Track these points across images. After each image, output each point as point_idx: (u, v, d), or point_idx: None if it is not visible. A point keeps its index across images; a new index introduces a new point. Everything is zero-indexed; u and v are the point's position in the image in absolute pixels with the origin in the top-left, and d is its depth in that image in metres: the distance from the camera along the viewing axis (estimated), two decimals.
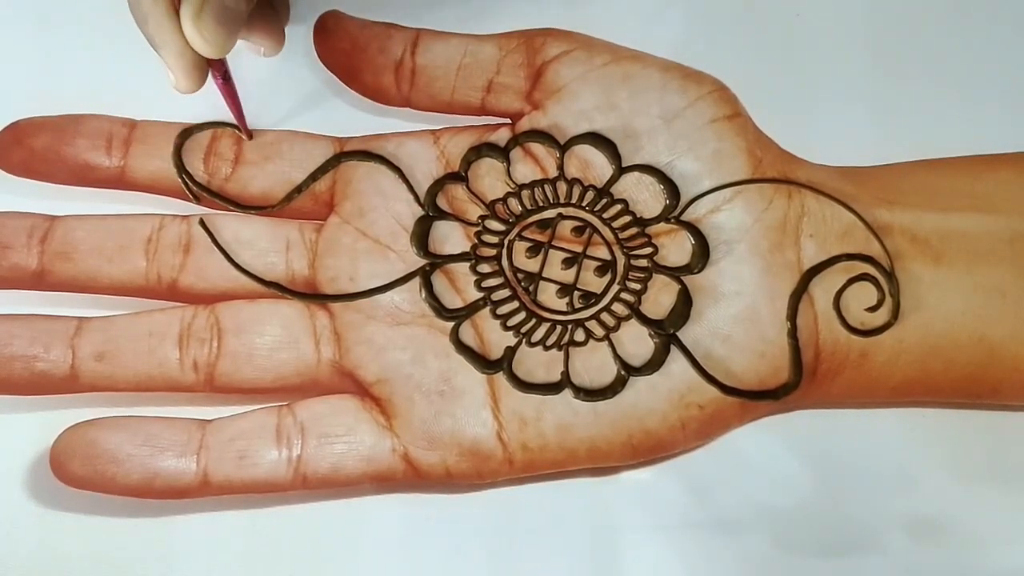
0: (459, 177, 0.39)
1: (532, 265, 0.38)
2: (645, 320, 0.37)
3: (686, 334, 0.37)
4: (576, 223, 0.38)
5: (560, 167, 0.38)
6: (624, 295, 0.37)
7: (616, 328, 0.37)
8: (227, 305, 0.38)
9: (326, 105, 0.42)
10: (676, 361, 0.37)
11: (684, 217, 0.38)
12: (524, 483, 0.38)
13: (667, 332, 0.37)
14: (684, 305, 0.37)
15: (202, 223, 0.38)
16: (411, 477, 0.37)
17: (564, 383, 0.36)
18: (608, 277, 0.37)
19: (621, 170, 0.38)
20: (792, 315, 0.37)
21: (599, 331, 0.37)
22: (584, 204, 0.38)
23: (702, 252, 0.37)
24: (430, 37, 0.40)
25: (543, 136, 0.38)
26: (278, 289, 0.38)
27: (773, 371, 0.37)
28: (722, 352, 0.37)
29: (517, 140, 0.39)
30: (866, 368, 0.37)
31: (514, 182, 0.38)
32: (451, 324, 0.37)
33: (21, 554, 0.37)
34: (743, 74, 0.39)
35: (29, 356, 0.37)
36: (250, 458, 0.36)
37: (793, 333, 0.37)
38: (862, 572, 0.38)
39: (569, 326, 0.37)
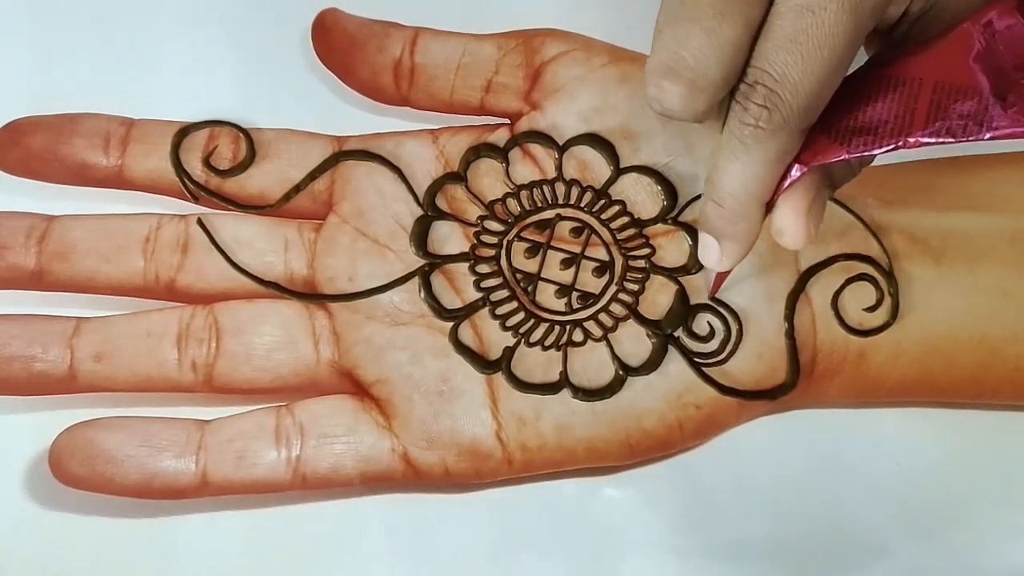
0: (458, 177, 0.39)
1: (531, 265, 0.38)
2: (643, 320, 0.37)
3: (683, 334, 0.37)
4: (574, 224, 0.38)
5: (558, 168, 0.38)
6: (622, 295, 0.37)
7: (614, 328, 0.37)
8: (225, 305, 0.38)
9: (324, 104, 0.42)
10: (674, 361, 0.37)
11: (682, 218, 0.38)
12: (523, 483, 0.38)
13: (664, 332, 0.37)
14: (681, 305, 0.37)
15: (200, 223, 0.38)
16: (410, 477, 0.37)
17: (562, 383, 0.36)
18: (606, 278, 0.37)
19: (619, 171, 0.38)
20: (789, 315, 0.37)
21: (597, 331, 0.37)
22: (582, 205, 0.38)
23: None
24: (429, 36, 0.40)
25: (542, 137, 0.38)
26: (277, 289, 0.38)
27: (770, 371, 0.37)
28: None
29: (516, 140, 0.39)
30: (864, 368, 0.37)
31: (513, 182, 0.38)
32: (450, 324, 0.37)
33: (20, 554, 0.37)
34: None
35: (27, 356, 0.37)
36: (249, 458, 0.36)
37: (790, 333, 0.37)
38: (862, 572, 0.38)
39: (567, 326, 0.37)
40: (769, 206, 0.31)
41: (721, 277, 0.36)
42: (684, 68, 0.29)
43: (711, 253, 0.33)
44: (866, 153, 0.30)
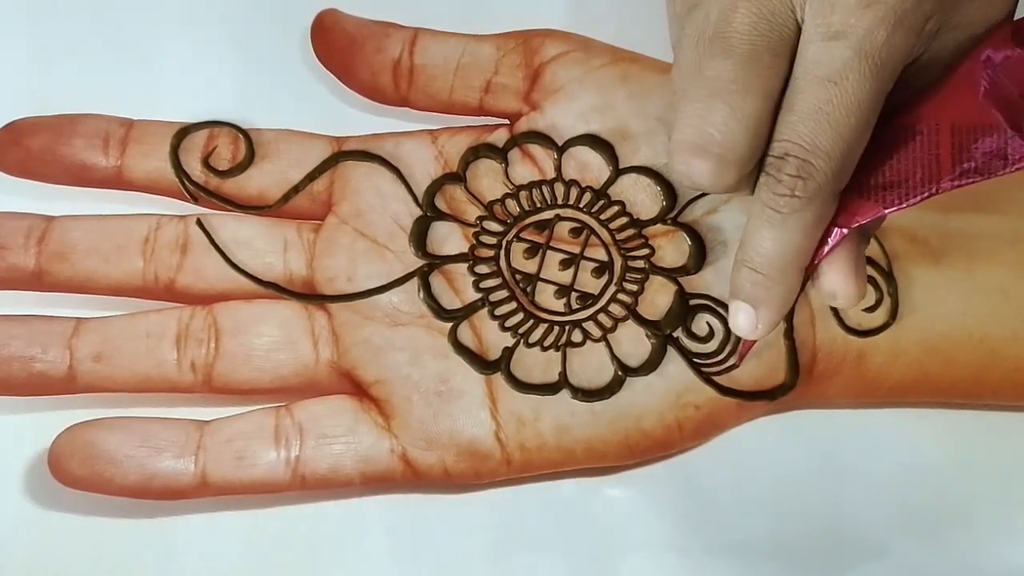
0: (457, 177, 0.39)
1: (530, 266, 0.38)
2: (642, 321, 0.37)
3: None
4: (574, 224, 0.38)
5: (558, 168, 0.38)
6: (621, 296, 0.37)
7: (613, 329, 0.37)
8: (225, 305, 0.38)
9: (324, 104, 0.42)
10: (673, 362, 0.37)
11: (681, 218, 0.38)
12: (522, 483, 0.38)
13: (664, 333, 0.37)
14: (680, 306, 0.37)
15: (199, 223, 0.38)
16: (410, 477, 0.37)
17: (562, 383, 0.37)
18: (605, 278, 0.37)
19: (618, 171, 0.38)
20: (789, 315, 0.37)
21: (596, 332, 0.37)
22: (581, 205, 0.38)
23: (699, 253, 0.37)
24: (428, 36, 0.40)
25: (541, 137, 0.38)
26: (276, 289, 0.38)
27: (770, 371, 0.37)
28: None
29: (515, 141, 0.39)
30: (863, 368, 0.37)
31: (512, 183, 0.38)
32: (449, 325, 0.37)
33: (20, 555, 0.37)
34: None
35: (27, 357, 0.37)
36: (248, 459, 0.36)
37: (789, 333, 0.37)
38: (862, 572, 0.38)
39: (567, 327, 0.37)
40: (808, 270, 0.31)
41: (749, 345, 0.36)
42: (712, 144, 0.30)
43: (745, 321, 0.32)
44: (901, 207, 0.30)
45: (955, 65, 0.30)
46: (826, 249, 0.31)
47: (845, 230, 0.31)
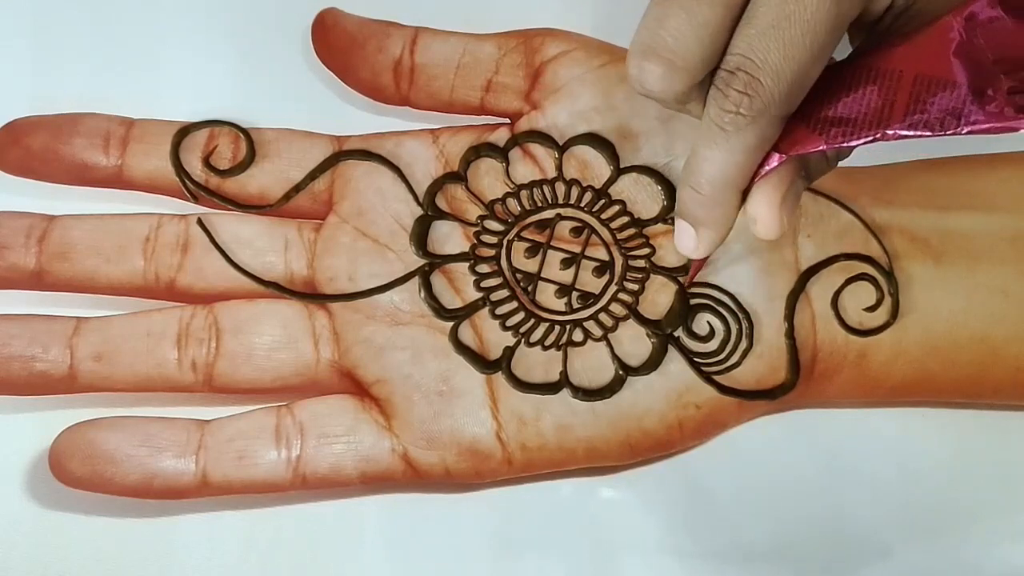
0: (458, 177, 0.39)
1: (531, 265, 0.38)
2: (643, 320, 0.37)
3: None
4: (575, 224, 0.38)
5: (558, 168, 0.38)
6: (622, 295, 0.37)
7: (614, 328, 0.37)
8: (225, 305, 0.38)
9: (324, 103, 0.42)
10: (674, 361, 0.37)
11: None
12: (523, 482, 0.38)
13: (664, 332, 0.37)
14: (681, 305, 0.37)
15: (200, 222, 0.38)
16: (410, 477, 0.37)
17: (563, 383, 0.37)
18: (606, 278, 0.37)
19: (619, 171, 0.38)
20: (789, 315, 0.37)
21: (597, 331, 0.37)
22: (582, 205, 0.38)
23: None
24: (429, 35, 0.40)
25: (542, 136, 0.38)
26: (277, 289, 0.38)
27: (770, 371, 0.37)
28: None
29: (516, 140, 0.39)
30: (864, 368, 0.37)
31: (513, 182, 0.38)
32: (450, 324, 0.37)
33: (20, 554, 0.37)
34: None
35: (27, 356, 0.37)
36: (249, 458, 0.36)
37: (790, 333, 0.37)
38: (862, 572, 0.38)
39: (567, 326, 0.37)
40: (745, 194, 0.31)
41: (698, 265, 0.36)
42: (663, 48, 0.29)
43: (687, 240, 0.33)
44: (844, 144, 0.30)
45: (938, 16, 0.30)
46: (762, 172, 0.31)
47: (783, 156, 0.30)
